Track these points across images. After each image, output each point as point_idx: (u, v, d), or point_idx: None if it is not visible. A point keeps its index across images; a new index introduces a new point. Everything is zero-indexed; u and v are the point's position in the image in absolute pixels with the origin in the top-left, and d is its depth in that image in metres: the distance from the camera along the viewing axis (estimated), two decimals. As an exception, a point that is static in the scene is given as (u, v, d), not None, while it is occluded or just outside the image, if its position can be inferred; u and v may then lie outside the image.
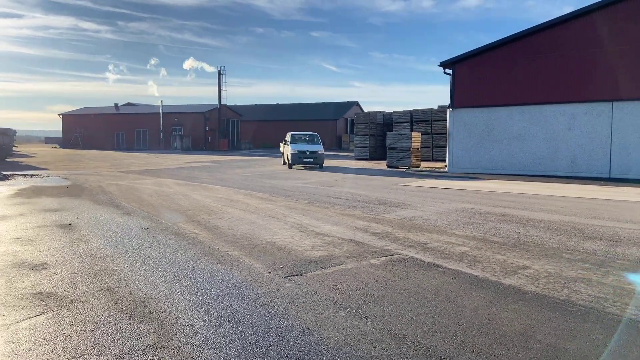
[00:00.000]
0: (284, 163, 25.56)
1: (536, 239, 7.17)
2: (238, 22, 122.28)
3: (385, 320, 4.03)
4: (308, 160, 23.41)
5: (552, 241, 7.00)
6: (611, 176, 16.93)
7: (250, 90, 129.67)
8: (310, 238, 7.27)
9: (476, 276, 5.31)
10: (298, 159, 23.26)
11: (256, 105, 71.21)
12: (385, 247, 6.67)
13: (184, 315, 4.17)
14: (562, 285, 4.97)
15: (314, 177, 18.73)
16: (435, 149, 29.53)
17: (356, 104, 64.69)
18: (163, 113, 55.66)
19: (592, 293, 4.70)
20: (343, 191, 13.77)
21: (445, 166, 21.88)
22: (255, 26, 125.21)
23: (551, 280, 5.11)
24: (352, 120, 44.16)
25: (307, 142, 24.55)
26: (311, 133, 26.20)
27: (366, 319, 4.08)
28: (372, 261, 5.97)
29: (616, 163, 16.96)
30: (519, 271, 5.47)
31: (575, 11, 17.85)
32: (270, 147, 57.02)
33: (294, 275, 5.34)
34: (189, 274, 5.45)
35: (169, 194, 13.02)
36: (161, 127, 55.70)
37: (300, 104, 68.97)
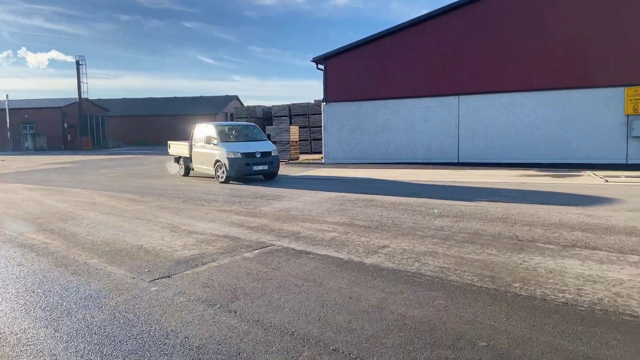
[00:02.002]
0: (183, 172, 16.99)
1: (396, 220, 7.89)
2: (99, 8, 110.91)
3: (254, 312, 4.08)
4: (260, 168, 14.39)
5: (409, 221, 7.77)
6: (459, 161, 19.36)
7: (118, 82, 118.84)
8: (182, 238, 7.00)
9: (342, 259, 5.66)
10: (245, 169, 14.06)
11: (125, 99, 65.64)
12: (260, 240, 6.73)
13: (28, 334, 3.72)
14: (414, 259, 5.55)
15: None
16: (313, 141, 30.51)
17: (236, 98, 63.60)
18: (10, 109, 48.21)
19: (438, 264, 5.34)
20: (221, 186, 13.49)
21: (322, 158, 22.77)
22: (120, 13, 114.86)
23: (405, 256, 5.68)
24: (232, 115, 43.35)
25: (248, 139, 15.36)
26: (247, 124, 17.43)
27: (235, 312, 4.08)
28: (246, 255, 5.98)
29: (463, 149, 19.44)
30: (379, 250, 5.97)
31: (424, 15, 19.93)
32: (143, 144, 53.16)
33: (162, 278, 5.09)
34: (37, 288, 4.85)
35: (15, 201, 11.37)
36: (8, 125, 48.20)
37: (176, 98, 65.39)
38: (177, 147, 17.50)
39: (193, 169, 16.44)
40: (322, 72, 22.10)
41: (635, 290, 4.34)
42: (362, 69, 21.27)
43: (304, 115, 30.76)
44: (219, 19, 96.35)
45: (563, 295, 4.28)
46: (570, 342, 3.37)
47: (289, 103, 31.60)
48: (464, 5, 19.08)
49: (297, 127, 26.62)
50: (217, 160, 14.40)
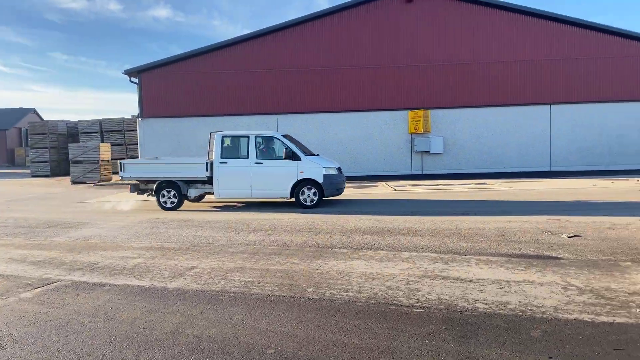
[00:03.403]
0: (170, 204, 11.60)
1: (209, 238, 7.79)
2: None
3: (21, 362, 3.49)
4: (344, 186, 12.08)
5: (223, 238, 7.77)
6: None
7: None
8: None
9: (143, 286, 5.30)
10: (342, 187, 11.81)
11: None
12: (45, 276, 5.84)
13: None
14: (220, 277, 5.55)
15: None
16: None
17: (33, 111, 54.52)
18: None
19: (243, 279, 5.45)
20: (3, 216, 11.31)
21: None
22: None
23: (212, 275, 5.64)
24: (27, 131, 36.98)
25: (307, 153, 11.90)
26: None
27: (-6, 367, 3.42)
28: (23, 295, 5.11)
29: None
30: (186, 273, 5.80)
31: (248, 34, 20.59)
32: None
33: None
34: None
35: None
36: None
37: (-55, 109, 52.72)
38: (163, 168, 11.89)
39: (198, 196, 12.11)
40: (136, 85, 20.70)
41: (403, 283, 5.15)
42: (183, 84, 20.64)
43: (118, 132, 28.17)
44: (11, 19, 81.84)
45: (347, 293, 4.81)
46: (347, 336, 3.79)
47: (101, 118, 28.62)
48: (281, 30, 20.35)
49: (109, 144, 24.25)
50: (304, 180, 11.19)
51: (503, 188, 14.54)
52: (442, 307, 4.36)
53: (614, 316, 4.02)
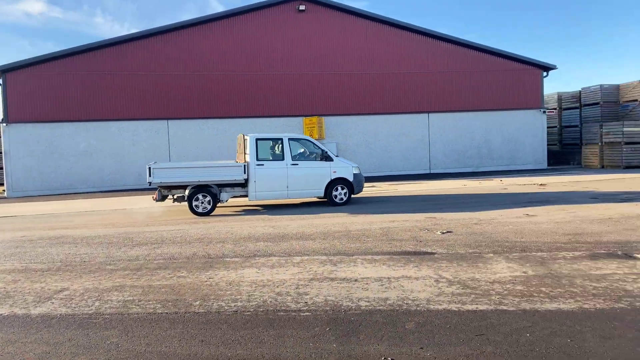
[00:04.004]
0: (204, 208, 11.14)
1: (85, 256, 7.09)
2: None
3: None
4: None
5: (101, 255, 7.12)
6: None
7: None
8: None
9: (1, 315, 4.63)
10: (360, 185, 12.17)
11: None
12: None
13: None
14: (95, 298, 5.07)
15: None
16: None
17: None
18: None
19: (122, 298, 5.04)
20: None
21: (4, 191, 18.56)
22: None
23: (86, 297, 5.13)
24: None
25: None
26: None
27: None
28: None
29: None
30: (55, 296, 5.20)
31: (135, 33, 19.29)
32: None
33: None
34: None
35: None
36: None
37: None
38: (197, 172, 11.23)
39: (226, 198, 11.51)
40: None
41: (293, 287, 5.20)
42: (60, 85, 18.61)
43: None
44: None
45: (235, 304, 4.72)
46: (232, 348, 3.70)
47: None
48: (171, 31, 19.42)
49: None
50: (337, 179, 11.76)
51: (389, 190, 15.52)
52: (327, 308, 4.49)
53: (477, 304, 4.50)
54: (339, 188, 11.80)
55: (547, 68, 22.26)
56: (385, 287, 5.06)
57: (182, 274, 5.89)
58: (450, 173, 21.12)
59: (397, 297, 4.74)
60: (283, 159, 11.47)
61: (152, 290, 5.27)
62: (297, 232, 8.42)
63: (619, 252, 6.21)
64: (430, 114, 21.59)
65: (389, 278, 5.40)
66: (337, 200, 11.81)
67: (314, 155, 11.80)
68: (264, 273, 5.80)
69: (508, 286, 4.98)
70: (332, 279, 5.44)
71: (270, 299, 4.81)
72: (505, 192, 13.69)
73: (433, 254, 6.49)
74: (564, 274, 5.32)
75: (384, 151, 21.23)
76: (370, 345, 3.63)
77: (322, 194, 11.79)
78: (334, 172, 11.75)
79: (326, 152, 11.74)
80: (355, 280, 5.38)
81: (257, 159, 11.35)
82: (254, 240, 7.79)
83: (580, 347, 3.50)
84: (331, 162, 11.73)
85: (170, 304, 4.80)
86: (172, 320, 4.34)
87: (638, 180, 15.36)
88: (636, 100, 22.35)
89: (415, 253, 6.56)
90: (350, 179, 11.86)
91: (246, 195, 11.50)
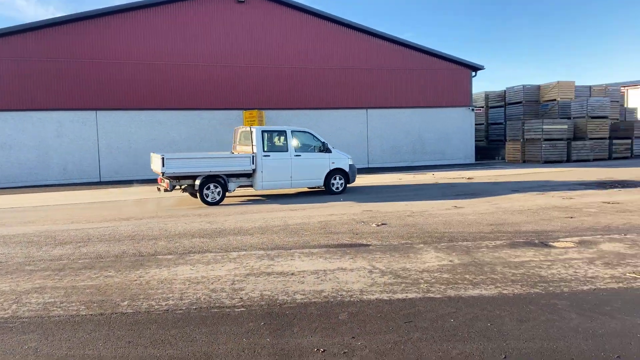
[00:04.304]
0: (214, 198, 11.28)
1: (1, 257, 6.53)
2: None
3: None
4: None
5: (20, 255, 6.59)
6: (102, 180, 18.29)
7: None
8: None
9: None
10: (354, 175, 13.19)
11: None
12: None
13: None
14: (12, 301, 4.69)
15: None
16: None
17: None
18: None
19: (42, 301, 4.71)
20: None
21: None
22: None
23: (1, 300, 4.73)
24: None
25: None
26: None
27: None
28: None
29: (105, 167, 18.47)
30: (-38, 302, 4.74)
31: (59, 17, 17.86)
32: None
33: None
34: None
35: None
36: None
37: None
38: (208, 163, 11.47)
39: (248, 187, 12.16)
40: None
41: (229, 283, 5.12)
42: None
43: None
44: None
45: (167, 302, 4.57)
46: (161, 349, 3.59)
47: None
48: (103, 16, 18.23)
49: None
50: (335, 170, 12.54)
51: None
52: (263, 303, 4.48)
53: (407, 293, 4.69)
54: (337, 178, 12.57)
55: (475, 68, 23.54)
56: (321, 280, 5.14)
57: (110, 274, 5.60)
58: (387, 167, 21.78)
59: (332, 288, 4.83)
60: (287, 151, 12.00)
61: (75, 292, 4.97)
62: (235, 227, 8.30)
63: (536, 241, 6.74)
64: (368, 110, 22.09)
65: (325, 270, 5.49)
66: (334, 189, 12.54)
67: (314, 147, 12.43)
68: (198, 270, 5.66)
69: (436, 274, 5.24)
70: (268, 274, 5.43)
71: (204, 296, 4.71)
72: (437, 185, 14.36)
73: (368, 245, 6.68)
74: (487, 262, 5.69)
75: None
76: (303, 338, 3.68)
77: (322, 184, 12.54)
78: (332, 163, 12.49)
79: (326, 145, 12.44)
80: (292, 273, 5.41)
81: (264, 150, 11.70)
82: (189, 237, 7.57)
83: (499, 330, 3.77)
84: (330, 153, 12.47)
85: (95, 305, 4.55)
86: (97, 322, 4.12)
87: (554, 173, 16.74)
88: (554, 99, 24.28)
89: (351, 245, 6.71)
90: (347, 169, 12.67)
91: (251, 185, 11.91)
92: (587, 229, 7.35)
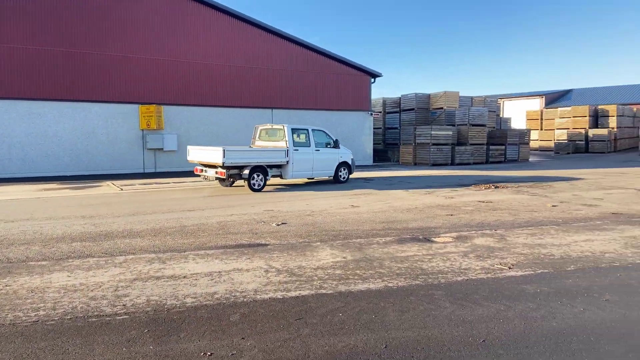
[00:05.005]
0: (259, 185, 13.16)
1: None
2: None
3: None
4: None
5: None
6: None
7: None
8: None
9: None
10: (354, 167, 16.35)
11: None
12: None
13: None
14: None
15: None
16: None
17: None
18: None
19: None
20: None
21: None
22: None
23: None
24: None
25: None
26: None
27: None
28: None
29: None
30: None
31: None
32: None
33: None
34: None
35: None
36: None
37: None
38: (255, 155, 13.31)
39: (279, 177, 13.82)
40: None
41: (111, 290, 4.76)
42: None
43: None
44: None
45: (37, 313, 4.11)
46: (26, 364, 3.22)
47: None
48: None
49: None
50: (342, 163, 14.96)
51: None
52: (149, 309, 4.24)
53: (300, 290, 4.78)
54: (342, 170, 14.96)
55: (374, 75, 24.83)
56: (215, 282, 5.02)
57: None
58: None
59: (226, 290, 4.74)
60: (309, 146, 14.05)
61: None
62: (124, 229, 7.75)
63: (421, 237, 7.29)
64: (274, 110, 22.10)
65: (220, 272, 5.37)
66: (341, 179, 14.97)
67: (328, 143, 14.62)
68: (77, 276, 5.18)
69: (329, 271, 5.42)
70: (158, 278, 5.16)
71: (81, 305, 4.32)
72: (336, 186, 14.86)
73: (266, 245, 6.68)
74: (376, 257, 6.03)
75: (229, 144, 20.95)
76: (190, 342, 3.55)
77: (332, 174, 14.81)
78: (340, 157, 14.86)
79: (337, 142, 14.70)
80: (184, 276, 5.21)
81: (294, 145, 13.62)
82: (68, 241, 6.89)
83: (382, 321, 4.01)
84: (338, 149, 14.73)
85: (-56, 321, 3.93)
86: (-56, 342, 3.56)
87: (440, 175, 18.29)
88: (442, 108, 26.54)
89: (249, 245, 6.65)
90: (350, 162, 15.11)
91: (280, 175, 13.68)
92: (464, 225, 8.15)
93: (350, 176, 15.45)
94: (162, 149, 19.18)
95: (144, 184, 15.01)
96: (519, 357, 3.37)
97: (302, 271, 5.43)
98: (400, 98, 28.36)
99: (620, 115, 34.57)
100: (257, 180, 12.89)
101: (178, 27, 19.66)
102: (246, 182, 12.82)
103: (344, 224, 8.29)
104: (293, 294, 4.67)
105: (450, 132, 24.54)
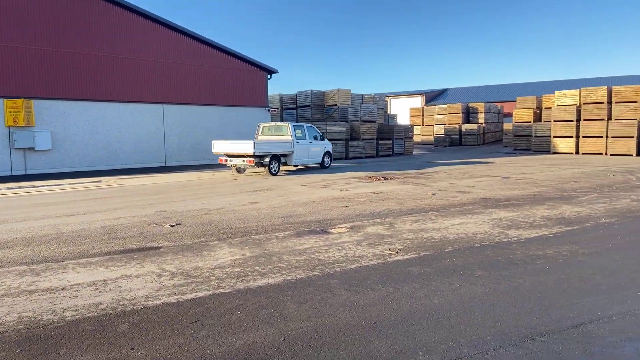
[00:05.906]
0: (273, 170, 16.87)
1: None
2: None
3: None
4: None
5: None
6: None
7: None
8: None
9: None
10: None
11: None
12: None
13: None
14: None
15: None
16: None
17: None
18: None
19: None
20: None
21: None
22: None
23: None
24: None
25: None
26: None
27: None
28: None
29: None
30: None
31: None
32: None
33: None
34: None
35: None
36: None
37: None
38: (272, 145, 16.87)
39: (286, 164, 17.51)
40: None
41: None
42: None
43: None
44: None
45: None
46: None
47: None
48: None
49: None
50: (327, 152, 19.19)
51: (118, 185, 14.32)
52: (21, 327, 3.76)
53: (197, 292, 4.62)
54: (326, 158, 19.08)
55: (270, 71, 24.79)
56: (100, 291, 4.62)
57: None
58: (186, 165, 21.06)
59: (112, 299, 4.40)
60: (306, 139, 17.84)
61: None
62: (-14, 240, 6.76)
63: (318, 229, 7.50)
64: (165, 105, 20.92)
65: (105, 280, 4.96)
66: (326, 165, 19.08)
67: (316, 136, 18.48)
68: None
69: (227, 270, 5.32)
70: (31, 292, 4.60)
71: None
72: (235, 182, 14.62)
73: (159, 248, 6.33)
74: (275, 252, 6.06)
75: (113, 142, 19.34)
76: (71, 359, 3.23)
77: (320, 161, 18.83)
78: (325, 147, 18.96)
79: (323, 135, 19.26)
80: (63, 288, 4.71)
81: (295, 138, 17.27)
82: None
83: (281, 315, 4.06)
84: (324, 141, 18.94)
85: None
86: None
87: (331, 170, 18.99)
88: (336, 104, 27.49)
89: (139, 250, 6.24)
90: (331, 152, 19.49)
91: (285, 163, 17.32)
92: (357, 216, 8.57)
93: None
94: (34, 148, 17.06)
95: (12, 188, 13.24)
96: (406, 335, 3.65)
97: (199, 272, 5.26)
98: (296, 95, 28.73)
99: (487, 112, 39.03)
100: (273, 166, 16.29)
101: (53, 13, 17.56)
102: (266, 167, 16.14)
103: (242, 221, 8.19)
104: (189, 296, 4.50)
105: (344, 128, 25.55)
